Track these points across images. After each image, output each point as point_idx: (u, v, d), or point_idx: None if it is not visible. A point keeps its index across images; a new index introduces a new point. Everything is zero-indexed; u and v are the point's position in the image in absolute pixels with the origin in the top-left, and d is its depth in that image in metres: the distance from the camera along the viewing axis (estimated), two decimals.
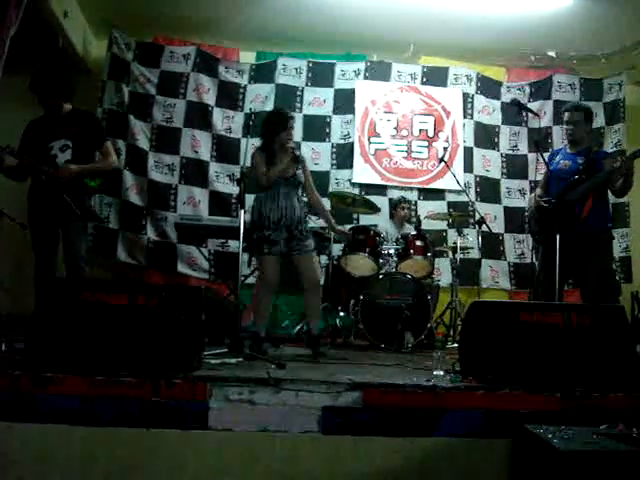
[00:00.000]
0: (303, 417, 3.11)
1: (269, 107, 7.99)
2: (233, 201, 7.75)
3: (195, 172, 7.92)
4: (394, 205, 7.40)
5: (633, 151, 4.93)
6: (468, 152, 8.41)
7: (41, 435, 3.02)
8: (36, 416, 3.04)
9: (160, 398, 3.09)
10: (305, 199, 5.41)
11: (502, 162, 8.52)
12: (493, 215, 8.25)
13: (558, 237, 4.89)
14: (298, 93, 8.27)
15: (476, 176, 8.40)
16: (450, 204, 8.16)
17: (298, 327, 6.54)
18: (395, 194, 7.87)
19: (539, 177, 8.22)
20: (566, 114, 5.40)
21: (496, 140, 8.54)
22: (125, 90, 7.74)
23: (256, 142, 7.75)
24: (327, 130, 8.20)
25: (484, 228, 7.03)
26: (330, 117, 8.24)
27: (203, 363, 3.63)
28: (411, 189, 8.24)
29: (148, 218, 7.66)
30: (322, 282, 5.47)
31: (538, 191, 5.56)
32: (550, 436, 2.78)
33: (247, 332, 5.20)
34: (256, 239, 4.91)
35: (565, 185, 5.14)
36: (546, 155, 5.79)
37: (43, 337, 3.34)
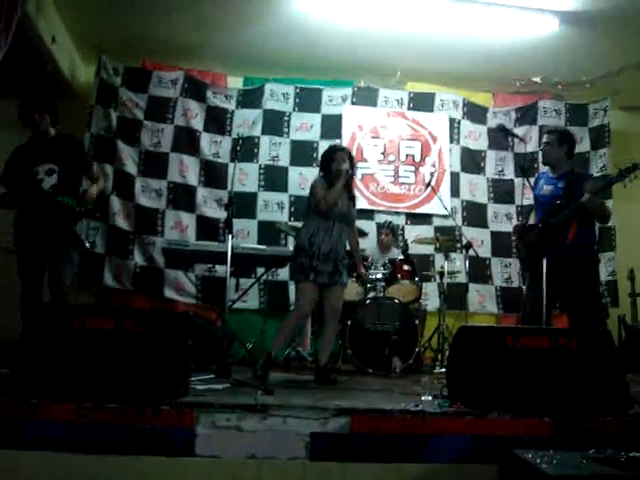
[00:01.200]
0: (291, 443, 3.09)
1: (256, 132, 8.06)
2: (221, 226, 7.74)
3: (183, 197, 7.91)
4: (379, 230, 7.41)
5: (600, 186, 5.04)
6: (455, 177, 8.45)
7: (27, 462, 2.98)
8: (21, 442, 3.01)
9: (146, 424, 3.06)
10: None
11: (488, 187, 8.57)
12: (480, 240, 8.28)
13: (545, 262, 4.87)
14: (285, 118, 8.30)
15: (463, 201, 8.44)
16: (437, 229, 8.18)
17: (286, 352, 6.51)
18: (382, 219, 7.88)
19: (525, 202, 8.30)
20: (544, 135, 5.46)
21: (482, 165, 8.60)
22: (113, 115, 7.74)
23: (243, 166, 7.86)
24: (314, 155, 8.21)
25: (471, 252, 7.05)
26: (317, 142, 8.27)
27: (190, 389, 3.61)
28: (398, 214, 8.26)
29: (135, 243, 7.64)
30: None
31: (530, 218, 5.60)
32: (539, 461, 2.77)
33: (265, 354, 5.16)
34: (302, 265, 5.00)
35: (549, 210, 5.12)
36: (532, 180, 5.82)
37: (29, 363, 3.31)
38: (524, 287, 8.15)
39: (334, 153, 5.26)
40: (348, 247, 5.48)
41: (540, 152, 5.51)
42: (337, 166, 5.10)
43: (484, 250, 8.23)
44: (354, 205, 5.40)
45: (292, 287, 7.47)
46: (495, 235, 8.43)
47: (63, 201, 4.83)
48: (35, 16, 6.33)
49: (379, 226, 7.62)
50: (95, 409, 3.07)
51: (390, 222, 7.59)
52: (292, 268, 5.19)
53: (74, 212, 4.90)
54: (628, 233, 8.32)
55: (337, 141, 8.24)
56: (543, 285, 4.82)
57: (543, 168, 7.48)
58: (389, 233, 7.40)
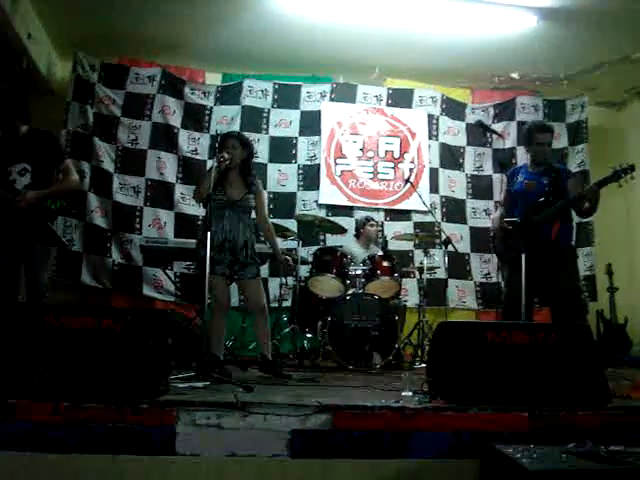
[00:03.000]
0: (272, 441, 3.07)
1: (235, 128, 7.99)
2: (199, 223, 7.71)
3: (161, 194, 7.88)
4: (362, 224, 7.32)
5: (598, 181, 4.92)
6: (434, 173, 8.48)
7: (4, 463, 2.94)
8: None
9: (126, 423, 3.03)
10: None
11: (467, 183, 8.62)
12: (459, 235, 8.32)
13: (524, 257, 4.86)
14: (264, 115, 8.28)
15: (442, 197, 8.47)
16: (416, 224, 8.21)
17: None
18: (361, 215, 7.87)
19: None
20: (539, 136, 5.28)
21: (461, 161, 8.64)
22: (90, 112, 7.69)
23: None
24: (293, 152, 8.22)
25: (450, 248, 7.08)
26: (296, 139, 8.27)
27: (170, 387, 3.58)
28: (377, 210, 8.28)
29: (113, 241, 7.59)
30: (290, 305, 5.43)
31: (498, 212, 5.57)
32: (519, 455, 2.78)
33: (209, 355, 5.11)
34: (200, 258, 4.82)
35: (531, 207, 5.09)
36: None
37: (6, 363, 3.27)
38: (503, 282, 8.27)
39: (224, 140, 5.03)
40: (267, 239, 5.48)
41: (536, 150, 5.30)
42: (219, 156, 4.88)
43: (463, 246, 8.28)
44: (251, 190, 5.08)
45: (272, 283, 7.50)
46: (474, 231, 8.48)
47: None
48: (10, 12, 6.28)
49: (359, 222, 7.51)
50: (74, 409, 3.04)
51: (371, 216, 7.56)
52: (196, 264, 5.04)
53: (48, 209, 4.83)
54: (606, 228, 8.40)
55: (316, 138, 8.26)
56: (522, 280, 4.83)
57: (520, 162, 7.56)
58: (376, 224, 7.40)
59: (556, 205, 5.00)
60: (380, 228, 8.08)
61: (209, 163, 7.76)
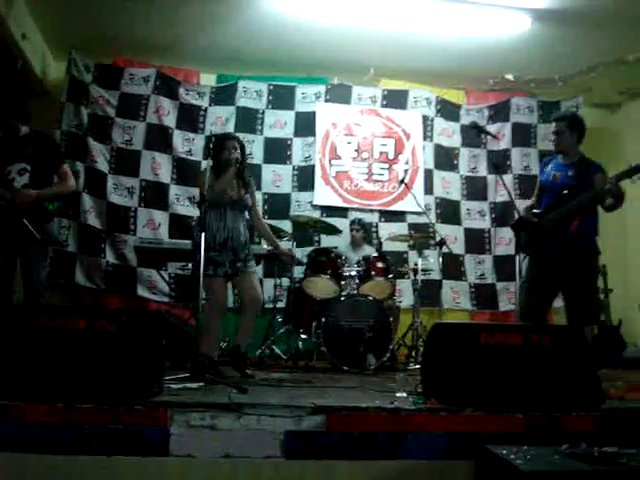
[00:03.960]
0: (266, 442, 3.07)
1: (230, 129, 8.02)
2: (193, 224, 7.69)
3: (155, 195, 7.87)
4: (349, 228, 7.42)
5: (616, 175, 4.78)
6: (428, 174, 8.49)
7: None
8: None
9: (120, 424, 3.03)
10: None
11: (462, 184, 8.63)
12: (453, 236, 8.33)
13: (528, 258, 4.97)
14: (259, 116, 8.28)
15: (436, 198, 8.47)
16: (411, 226, 8.22)
17: (259, 350, 6.49)
18: (356, 216, 7.88)
19: (499, 198, 8.40)
20: (552, 125, 5.32)
21: (456, 162, 8.65)
22: (84, 112, 7.67)
23: None
24: (288, 152, 8.22)
25: (445, 249, 7.08)
26: (291, 140, 8.27)
27: (164, 388, 3.58)
28: (372, 211, 8.29)
29: (107, 241, 7.58)
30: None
31: (530, 201, 5.48)
32: (513, 457, 2.78)
33: (204, 357, 5.10)
34: (199, 260, 4.75)
35: (554, 201, 5.01)
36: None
37: (1, 364, 3.26)
38: (497, 284, 8.28)
39: (224, 142, 5.12)
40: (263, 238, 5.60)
41: (552, 141, 5.30)
42: (227, 155, 4.98)
43: (458, 247, 8.29)
44: (248, 191, 5.18)
45: (267, 284, 7.47)
46: (468, 232, 8.49)
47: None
48: (5, 12, 6.27)
49: (350, 223, 7.56)
50: (68, 410, 3.03)
51: (360, 219, 7.56)
52: (193, 266, 5.02)
53: (47, 210, 4.84)
54: (601, 230, 8.36)
55: (311, 139, 8.26)
56: (516, 281, 4.86)
57: (517, 165, 7.57)
58: (360, 229, 7.38)
59: (577, 199, 4.87)
60: (374, 228, 8.09)
61: (203, 164, 7.75)
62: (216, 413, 3.13)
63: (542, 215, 5.03)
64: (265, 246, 6.42)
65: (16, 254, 4.78)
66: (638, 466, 2.70)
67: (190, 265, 7.32)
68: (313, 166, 8.24)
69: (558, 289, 5.05)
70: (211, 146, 5.22)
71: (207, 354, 4.82)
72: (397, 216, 8.36)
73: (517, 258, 5.01)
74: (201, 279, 4.68)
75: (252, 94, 8.30)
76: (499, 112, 8.75)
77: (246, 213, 5.26)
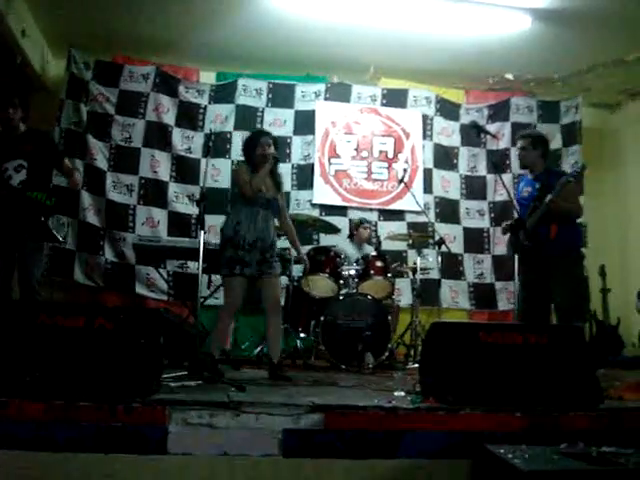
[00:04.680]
0: (264, 440, 3.07)
1: (229, 128, 8.03)
2: (192, 222, 7.70)
3: (154, 192, 7.85)
4: (355, 226, 7.33)
5: (559, 186, 5.02)
6: (427, 173, 8.48)
7: None
8: None
9: (118, 422, 3.03)
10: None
11: (461, 183, 8.62)
12: (452, 236, 8.32)
13: (518, 261, 5.08)
14: (258, 114, 8.27)
15: (435, 197, 8.47)
16: (410, 225, 8.21)
17: (258, 349, 6.49)
18: (355, 215, 7.88)
19: (498, 198, 8.42)
20: (518, 142, 5.57)
21: (455, 161, 8.64)
22: (83, 109, 7.66)
23: (216, 162, 7.80)
24: (287, 151, 8.20)
25: (444, 248, 7.08)
26: (290, 138, 8.26)
27: (162, 386, 3.58)
28: (371, 210, 8.28)
29: (106, 239, 7.56)
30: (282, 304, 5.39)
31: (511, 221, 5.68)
32: (511, 456, 2.79)
33: (205, 355, 5.09)
34: (228, 258, 4.79)
35: (528, 212, 5.25)
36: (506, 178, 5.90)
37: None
38: (496, 283, 8.28)
39: (258, 138, 5.08)
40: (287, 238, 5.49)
41: (518, 156, 5.60)
42: (262, 151, 4.95)
43: (456, 246, 8.28)
44: (280, 191, 5.17)
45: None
46: (467, 231, 8.48)
47: (32, 196, 4.77)
48: (4, 8, 6.26)
49: (353, 222, 7.51)
50: (66, 407, 3.03)
51: (365, 218, 7.56)
52: (219, 262, 4.94)
53: (44, 206, 4.83)
54: (599, 230, 8.41)
55: (310, 137, 8.25)
56: (515, 281, 4.95)
57: (516, 165, 7.61)
58: (369, 227, 7.38)
59: (540, 207, 5.11)
60: (374, 229, 8.09)
61: (203, 162, 7.76)
62: (214, 411, 3.13)
63: (515, 229, 5.29)
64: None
65: (14, 251, 4.77)
66: (636, 466, 2.70)
67: (188, 263, 7.46)
68: (312, 165, 8.23)
69: (549, 294, 5.20)
70: (246, 143, 5.17)
71: (209, 352, 4.81)
72: (396, 215, 8.35)
73: (516, 257, 5.05)
74: (200, 278, 4.69)
75: (252, 92, 8.29)
76: (499, 112, 8.74)
77: (275, 214, 5.19)
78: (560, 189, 4.99)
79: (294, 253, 6.57)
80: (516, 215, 5.43)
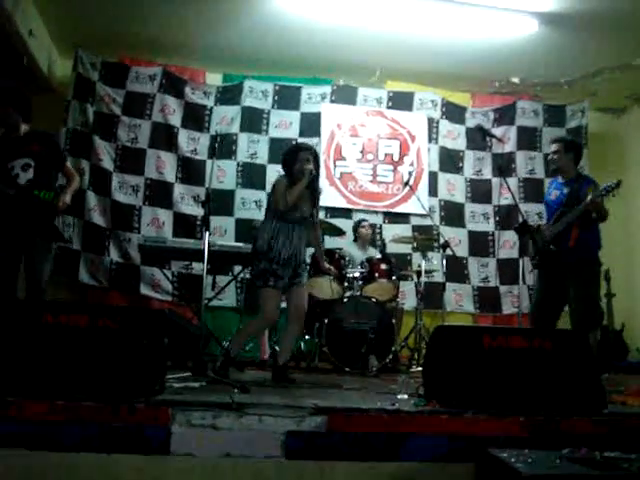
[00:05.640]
0: (267, 442, 3.07)
1: (235, 129, 8.05)
2: (198, 223, 7.70)
3: (159, 193, 7.87)
4: (355, 227, 7.38)
5: (599, 192, 5.04)
6: (433, 176, 8.48)
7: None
8: None
9: (121, 422, 3.03)
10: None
11: (466, 186, 8.62)
12: (457, 239, 8.33)
13: (534, 262, 5.22)
14: (264, 116, 8.28)
15: (441, 200, 8.47)
16: (415, 228, 8.20)
17: (269, 352, 6.49)
18: (360, 218, 7.87)
19: (503, 202, 8.40)
20: (550, 147, 5.62)
21: (460, 165, 8.64)
22: (90, 110, 7.68)
23: (221, 164, 7.81)
24: None
25: (448, 252, 7.06)
26: (296, 140, 8.23)
27: (166, 387, 3.58)
28: (376, 213, 8.28)
29: (111, 239, 7.59)
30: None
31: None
32: (513, 460, 2.78)
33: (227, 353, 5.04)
34: (262, 270, 4.79)
35: (553, 217, 5.34)
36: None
37: (3, 360, 3.27)
38: (500, 287, 8.27)
39: (298, 152, 5.06)
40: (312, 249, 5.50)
41: (549, 161, 5.71)
42: (300, 166, 4.91)
43: (461, 249, 8.28)
44: (315, 206, 5.14)
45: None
46: (472, 234, 8.48)
47: (40, 195, 4.78)
48: (12, 9, 6.27)
49: (358, 221, 7.51)
50: (69, 407, 3.04)
51: (366, 219, 7.56)
52: (253, 272, 4.97)
53: (52, 206, 4.85)
54: (604, 234, 8.33)
55: (315, 140, 8.24)
56: (520, 284, 4.97)
57: (521, 169, 7.63)
58: (368, 225, 7.36)
59: (570, 212, 5.18)
60: (377, 232, 8.10)
61: (208, 163, 7.77)
62: (218, 412, 3.13)
63: (544, 230, 5.35)
64: None
65: (20, 250, 4.78)
66: (639, 471, 2.70)
67: (192, 264, 7.46)
68: None
69: (564, 299, 5.25)
70: (285, 157, 5.15)
71: (228, 348, 4.86)
72: (401, 218, 8.36)
73: (521, 261, 5.06)
74: (204, 279, 4.69)
75: (258, 94, 8.30)
76: (504, 115, 8.74)
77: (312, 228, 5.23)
78: (599, 196, 5.02)
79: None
80: (521, 219, 5.48)
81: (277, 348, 5.63)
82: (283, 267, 4.79)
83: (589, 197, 5.03)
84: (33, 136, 4.94)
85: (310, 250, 5.79)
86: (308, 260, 6.90)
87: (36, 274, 4.81)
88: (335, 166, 8.31)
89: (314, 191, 5.08)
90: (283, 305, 5.08)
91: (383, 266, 6.55)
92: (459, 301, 8.26)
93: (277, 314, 4.93)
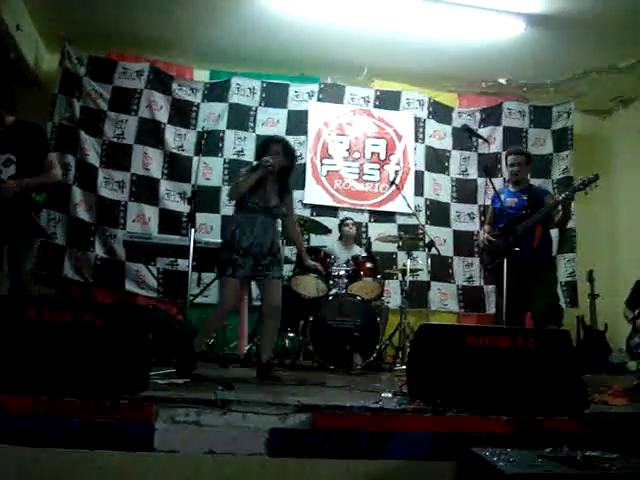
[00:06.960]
0: (250, 439, 3.08)
1: (222, 126, 8.03)
2: (183, 219, 7.68)
3: (145, 189, 7.85)
4: (339, 225, 7.42)
5: (566, 194, 5.56)
6: (419, 176, 8.50)
7: None
8: None
9: (105, 419, 3.02)
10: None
11: (452, 186, 8.65)
12: (443, 238, 8.36)
13: (506, 264, 5.19)
14: (251, 113, 8.28)
15: (426, 199, 8.49)
16: (400, 227, 8.23)
17: (247, 348, 6.49)
18: (346, 216, 7.87)
19: (488, 201, 8.39)
20: (510, 157, 5.91)
21: (446, 164, 8.67)
22: (76, 105, 7.65)
23: (208, 160, 7.81)
24: None
25: (433, 251, 7.09)
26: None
27: (150, 383, 3.57)
28: (362, 211, 8.30)
29: (96, 235, 7.56)
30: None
31: (486, 227, 5.99)
32: (495, 459, 2.80)
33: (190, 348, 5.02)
34: (223, 260, 4.79)
35: (515, 219, 5.49)
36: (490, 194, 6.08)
37: None
38: (485, 287, 8.31)
39: (269, 144, 5.06)
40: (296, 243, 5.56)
41: (511, 171, 5.92)
42: (264, 160, 4.85)
43: (446, 249, 8.31)
44: (283, 200, 5.08)
45: (253, 281, 7.45)
46: (457, 234, 8.51)
47: (32, 196, 4.74)
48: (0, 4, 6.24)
49: (341, 220, 7.56)
50: (52, 403, 3.03)
51: (351, 218, 7.57)
52: (217, 263, 4.99)
53: (33, 201, 4.80)
54: (588, 235, 8.46)
55: (302, 137, 8.25)
56: (504, 287, 5.08)
57: (504, 167, 7.68)
58: (352, 225, 7.36)
59: (535, 214, 5.50)
60: (363, 230, 8.12)
61: (195, 160, 7.76)
62: (201, 409, 3.13)
63: (505, 233, 5.49)
64: None
65: (2, 245, 4.75)
66: (620, 471, 2.72)
67: (178, 261, 7.45)
68: (304, 165, 8.23)
69: (527, 298, 5.56)
70: (257, 149, 5.20)
71: (193, 344, 4.81)
72: (387, 217, 8.38)
73: (505, 261, 5.12)
74: (189, 275, 4.68)
75: (245, 91, 8.29)
76: (491, 115, 8.77)
77: (278, 222, 5.20)
78: (574, 190, 5.54)
79: (285, 253, 6.62)
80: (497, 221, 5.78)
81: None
82: (243, 257, 4.76)
83: (561, 195, 5.54)
84: (17, 129, 4.87)
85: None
86: (292, 256, 6.95)
87: (19, 271, 4.77)
88: (322, 164, 8.31)
89: (283, 182, 5.08)
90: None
91: (368, 264, 6.55)
92: (444, 300, 8.29)
93: (233, 302, 4.92)
